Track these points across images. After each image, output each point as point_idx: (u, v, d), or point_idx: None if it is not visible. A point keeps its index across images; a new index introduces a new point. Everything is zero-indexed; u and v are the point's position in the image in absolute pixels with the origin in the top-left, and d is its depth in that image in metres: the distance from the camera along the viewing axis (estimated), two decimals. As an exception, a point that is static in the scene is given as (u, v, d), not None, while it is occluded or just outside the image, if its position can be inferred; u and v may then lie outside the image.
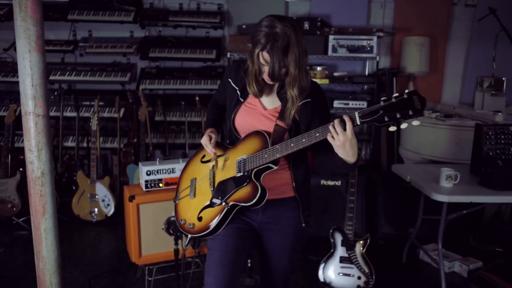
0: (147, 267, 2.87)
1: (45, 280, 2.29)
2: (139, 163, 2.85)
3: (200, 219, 1.86)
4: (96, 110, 4.18)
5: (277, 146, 1.68)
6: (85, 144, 4.63)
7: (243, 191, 1.73)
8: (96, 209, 4.05)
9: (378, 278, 2.85)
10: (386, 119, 1.49)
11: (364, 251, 2.81)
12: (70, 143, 4.66)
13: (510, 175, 2.65)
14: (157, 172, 2.79)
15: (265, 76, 1.74)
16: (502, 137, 2.93)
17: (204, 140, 1.90)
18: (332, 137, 1.56)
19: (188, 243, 2.72)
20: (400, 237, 3.62)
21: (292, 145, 1.65)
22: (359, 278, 2.79)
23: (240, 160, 1.76)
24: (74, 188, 4.16)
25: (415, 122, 1.48)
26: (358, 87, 4.78)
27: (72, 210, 4.03)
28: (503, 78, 4.50)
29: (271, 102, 1.85)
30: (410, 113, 1.47)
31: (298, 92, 1.72)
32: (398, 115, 1.48)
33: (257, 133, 1.78)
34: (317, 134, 1.61)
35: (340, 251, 2.85)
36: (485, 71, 4.62)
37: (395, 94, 1.49)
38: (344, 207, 2.92)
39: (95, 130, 4.12)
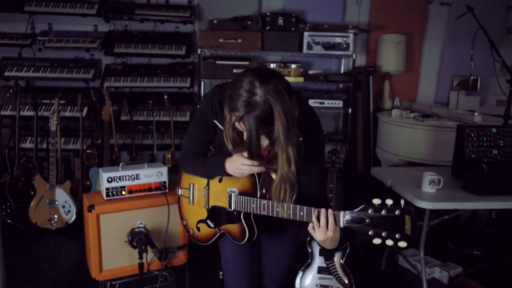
0: (109, 283, 2.63)
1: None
2: (100, 169, 2.59)
3: (198, 229, 1.93)
4: (57, 109, 3.87)
5: (264, 202, 1.61)
6: (45, 146, 4.30)
7: (234, 228, 1.75)
8: (55, 216, 3.75)
9: (358, 286, 2.70)
10: (370, 232, 1.39)
11: (343, 261, 2.65)
12: (28, 145, 4.32)
13: (494, 179, 2.54)
14: (120, 178, 2.54)
15: (243, 159, 1.56)
16: (484, 139, 2.83)
17: (239, 164, 1.58)
18: (313, 227, 1.49)
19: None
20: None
21: (277, 209, 1.58)
22: (338, 289, 2.64)
23: (231, 194, 1.72)
24: (32, 193, 3.84)
25: (401, 244, 1.35)
26: (333, 86, 4.64)
27: (29, 217, 3.72)
28: (476, 77, 4.46)
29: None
30: (397, 236, 1.35)
31: (294, 168, 1.50)
32: (383, 234, 1.37)
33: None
34: (301, 213, 1.52)
35: (318, 261, 2.68)
36: (460, 70, 4.57)
37: (389, 203, 1.36)
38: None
39: (55, 131, 3.82)
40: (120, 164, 2.62)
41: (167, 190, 2.64)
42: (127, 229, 2.47)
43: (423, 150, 3.66)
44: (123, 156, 4.43)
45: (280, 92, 1.40)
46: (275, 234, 1.88)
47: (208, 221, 1.85)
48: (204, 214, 1.88)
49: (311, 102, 4.46)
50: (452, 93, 4.71)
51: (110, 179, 2.52)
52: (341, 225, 1.45)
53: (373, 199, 1.38)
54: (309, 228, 1.51)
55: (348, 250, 2.68)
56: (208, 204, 1.83)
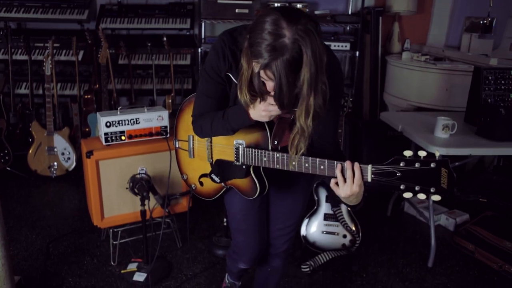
0: (111, 230, 2.58)
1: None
2: (97, 113, 2.47)
3: (201, 183, 1.81)
4: (51, 52, 3.68)
5: (278, 155, 1.45)
6: (41, 91, 4.14)
7: (243, 182, 1.61)
8: (55, 163, 3.68)
9: (363, 233, 2.66)
10: (402, 187, 1.26)
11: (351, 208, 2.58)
12: (23, 90, 4.17)
13: (511, 124, 2.41)
14: (119, 123, 2.42)
15: (270, 99, 1.33)
16: (502, 82, 2.68)
17: (264, 109, 1.38)
18: (336, 184, 1.34)
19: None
20: (384, 188, 3.42)
21: (294, 163, 1.42)
22: (344, 236, 2.59)
23: (238, 147, 1.55)
24: (30, 140, 3.74)
25: (435, 197, 1.23)
26: (340, 27, 4.41)
27: (28, 165, 3.64)
28: (492, 18, 4.21)
29: None
30: (432, 190, 1.23)
31: (312, 121, 1.33)
32: (417, 188, 1.24)
33: (257, 123, 1.46)
34: (322, 167, 1.37)
35: (325, 207, 2.62)
36: (474, 11, 4.32)
37: (423, 155, 1.22)
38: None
39: (50, 75, 3.65)
40: (119, 108, 2.50)
41: (168, 135, 2.54)
42: (128, 175, 2.39)
43: (434, 95, 3.51)
44: (122, 102, 4.29)
45: (310, 33, 1.21)
46: (286, 185, 1.75)
47: (213, 176, 1.70)
48: (207, 168, 1.73)
49: (317, 45, 4.26)
50: (464, 36, 4.47)
51: (108, 124, 2.41)
52: (369, 179, 1.31)
53: (404, 151, 1.24)
54: (332, 184, 1.36)
55: (355, 197, 2.61)
56: (212, 158, 1.68)
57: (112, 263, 2.55)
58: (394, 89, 3.89)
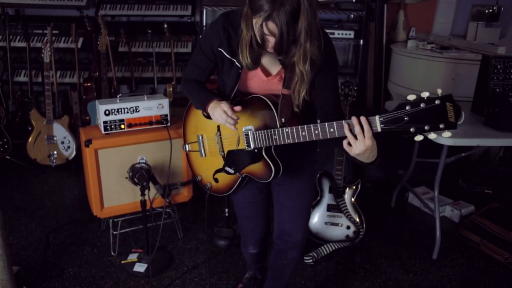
0: (111, 220, 2.54)
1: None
2: (96, 101, 2.42)
3: (216, 180, 1.84)
4: (50, 39, 3.63)
5: (287, 130, 1.49)
6: (40, 79, 4.09)
7: (257, 167, 1.64)
8: (55, 152, 3.63)
9: (367, 224, 2.62)
10: (411, 129, 1.27)
11: (354, 199, 2.54)
12: (22, 78, 4.11)
13: (521, 114, 2.35)
14: (118, 111, 2.37)
15: (269, 49, 1.42)
16: None
17: (220, 115, 1.52)
18: (349, 144, 1.36)
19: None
20: (387, 180, 3.39)
21: (303, 133, 1.47)
22: (348, 227, 2.55)
23: (247, 132, 1.59)
24: (29, 129, 3.69)
25: (446, 134, 1.26)
26: (344, 15, 4.32)
27: (27, 153, 3.60)
28: (500, 5, 4.12)
29: (271, 65, 1.59)
30: (441, 126, 1.25)
31: (309, 66, 1.43)
32: (426, 127, 1.26)
33: (263, 102, 1.55)
34: (331, 130, 1.40)
35: (328, 198, 2.58)
36: (481, -1, 4.23)
37: (426, 95, 1.25)
38: (332, 149, 2.62)
39: (49, 63, 3.59)
40: (118, 96, 2.44)
41: (169, 124, 2.48)
42: (127, 165, 2.34)
43: (439, 84, 3.43)
44: (122, 90, 4.24)
45: None
46: (291, 172, 1.74)
47: (227, 168, 1.72)
48: (220, 163, 1.77)
49: (321, 33, 4.19)
50: (471, 24, 4.38)
51: (107, 112, 2.36)
52: (379, 129, 1.33)
53: (408, 96, 1.26)
54: (345, 145, 1.38)
55: (359, 187, 2.57)
56: (223, 150, 1.72)
57: (112, 253, 2.52)
58: (399, 78, 3.82)
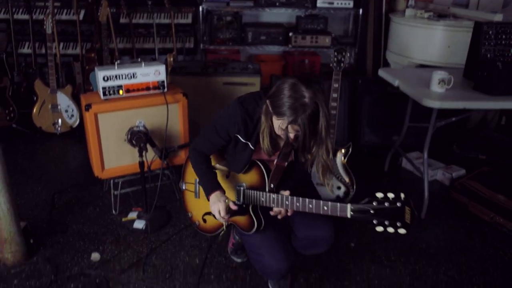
0: (112, 181, 2.67)
1: (-7, 198, 2.06)
2: (95, 68, 2.50)
3: (204, 220, 2.10)
4: (51, 11, 3.69)
5: (273, 196, 1.74)
6: (43, 51, 4.16)
7: (242, 219, 1.88)
8: (59, 121, 3.75)
9: (359, 187, 2.72)
10: (374, 221, 1.52)
11: (345, 160, 2.63)
12: (26, 50, 4.21)
13: (509, 79, 2.40)
14: (116, 77, 2.45)
15: (291, 140, 1.69)
16: (503, 37, 2.64)
17: (216, 212, 1.82)
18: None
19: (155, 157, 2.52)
20: (383, 145, 3.46)
21: (287, 202, 1.71)
22: (338, 188, 2.65)
23: (239, 189, 1.85)
24: (34, 98, 3.80)
25: (401, 231, 1.49)
26: (344, -16, 4.32)
27: (33, 122, 3.72)
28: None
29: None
30: (398, 224, 1.49)
31: (326, 154, 1.71)
32: (386, 222, 1.51)
33: (257, 167, 1.83)
34: (310, 206, 1.65)
35: (320, 161, 2.67)
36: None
37: (390, 196, 1.50)
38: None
39: (51, 34, 3.66)
40: (116, 62, 2.53)
41: (165, 90, 2.57)
42: (126, 128, 2.45)
43: (436, 52, 3.47)
44: (124, 61, 4.26)
45: (322, 92, 1.57)
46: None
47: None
48: (208, 206, 1.96)
49: (320, 3, 4.21)
50: (473, -7, 4.37)
51: (106, 78, 2.44)
52: (348, 216, 1.57)
53: (376, 193, 1.53)
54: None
55: (350, 150, 2.65)
56: None
57: (113, 212, 2.66)
58: (397, 47, 3.84)
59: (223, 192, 1.87)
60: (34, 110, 3.71)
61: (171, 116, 2.54)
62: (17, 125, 3.79)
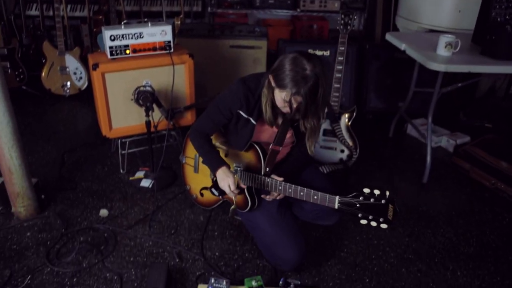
0: (119, 140, 2.72)
1: (4, 154, 2.13)
2: (102, 27, 2.51)
3: (202, 194, 2.26)
4: (58, -28, 3.67)
5: (268, 180, 1.88)
6: (51, 13, 4.16)
7: (238, 198, 1.97)
8: (68, 83, 3.79)
9: (363, 152, 2.75)
10: (359, 215, 1.67)
11: (349, 124, 2.65)
12: (34, 12, 4.22)
13: (517, 43, 2.38)
14: (122, 37, 2.47)
15: (288, 112, 1.77)
16: (514, -1, 2.59)
17: (225, 187, 1.89)
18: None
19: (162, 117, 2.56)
20: (388, 111, 3.47)
21: (280, 188, 1.85)
22: (342, 151, 2.68)
23: (236, 169, 1.94)
24: (43, 61, 3.83)
25: (383, 226, 1.65)
26: None
27: (42, 84, 3.76)
28: None
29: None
30: (381, 220, 1.65)
31: (317, 120, 1.82)
32: (370, 217, 1.66)
33: (255, 149, 1.93)
34: (301, 194, 1.80)
35: (325, 124, 2.70)
36: None
37: (376, 192, 1.64)
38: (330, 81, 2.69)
39: (58, -5, 3.66)
40: (123, 22, 2.53)
41: (172, 50, 2.58)
42: (133, 88, 2.47)
43: (446, 17, 3.41)
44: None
45: (321, 65, 1.65)
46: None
47: (213, 190, 2.07)
48: (208, 182, 2.14)
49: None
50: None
51: (113, 38, 2.46)
52: (336, 207, 1.72)
53: (363, 189, 1.65)
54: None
55: (355, 114, 2.67)
56: (214, 177, 2.00)
57: (121, 171, 2.73)
58: (407, 11, 3.77)
59: (229, 167, 1.93)
60: (43, 72, 3.75)
61: (177, 77, 2.57)
62: (27, 87, 3.84)
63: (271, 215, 1.96)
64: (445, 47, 2.47)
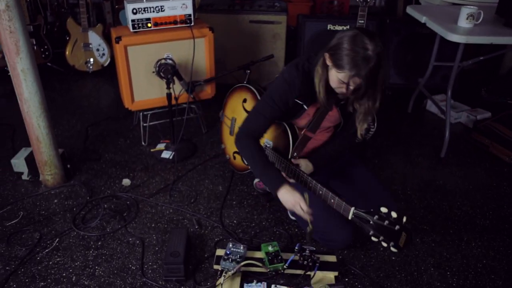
0: (141, 113, 2.80)
1: (32, 123, 2.23)
2: (124, 1, 2.57)
3: (234, 157, 2.29)
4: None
5: (292, 167, 1.86)
6: (74, -9, 4.25)
7: None
8: (91, 59, 3.88)
9: (381, 126, 2.76)
10: (370, 232, 1.61)
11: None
12: (58, -11, 4.29)
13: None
14: (144, 10, 2.52)
15: (343, 93, 1.70)
16: (540, -31, 2.53)
17: (298, 207, 1.75)
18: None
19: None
20: (408, 88, 3.44)
21: (303, 178, 1.83)
22: (360, 125, 2.69)
23: (266, 146, 1.98)
24: (67, 38, 3.92)
25: (393, 249, 1.59)
26: None
27: (67, 61, 3.86)
28: None
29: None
30: (392, 244, 1.58)
31: (373, 102, 1.72)
32: (381, 238, 1.60)
33: (285, 133, 1.89)
34: (320, 192, 1.79)
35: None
36: None
37: (393, 215, 1.56)
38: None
39: (81, -28, 3.71)
40: (144, -3, 2.58)
41: (192, 24, 2.62)
42: (155, 61, 2.53)
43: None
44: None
45: (381, 45, 1.55)
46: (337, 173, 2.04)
47: (244, 159, 2.09)
48: None
49: None
50: None
51: (135, 11, 2.51)
52: (349, 217, 1.68)
53: (381, 207, 1.59)
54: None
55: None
56: None
57: (143, 143, 2.81)
58: (429, -15, 3.71)
59: (289, 184, 1.80)
60: (67, 49, 3.83)
61: (197, 50, 2.61)
62: (52, 64, 3.94)
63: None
64: (467, 18, 2.44)
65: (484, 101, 3.45)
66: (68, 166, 2.49)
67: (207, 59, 2.71)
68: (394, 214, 1.55)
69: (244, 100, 2.22)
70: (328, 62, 1.64)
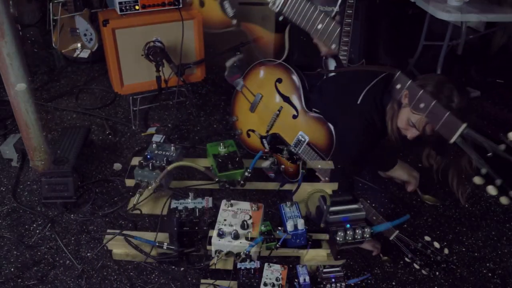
0: (131, 97, 2.77)
1: (20, 109, 2.20)
2: (111, -17, 2.53)
3: (248, 135, 2.05)
4: None
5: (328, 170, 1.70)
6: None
7: (288, 164, 1.79)
8: (79, 44, 3.81)
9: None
10: (409, 256, 1.67)
11: (357, 77, 2.65)
12: (42, -27, 4.19)
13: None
14: (131, -8, 2.49)
15: (410, 137, 1.69)
16: None
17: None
18: None
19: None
20: (398, 68, 3.43)
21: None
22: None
23: (300, 139, 1.81)
24: (53, 24, 3.84)
25: (424, 272, 1.66)
26: None
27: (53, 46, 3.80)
28: None
29: None
30: (427, 269, 1.65)
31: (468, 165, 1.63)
32: (418, 262, 1.68)
33: (330, 134, 1.77)
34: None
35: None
36: None
37: (437, 245, 1.62)
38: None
39: (66, -46, 3.63)
40: (131, -23, 2.54)
41: (181, 6, 2.59)
42: (143, 44, 2.50)
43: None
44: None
45: (468, 102, 1.55)
46: None
47: (265, 142, 1.90)
48: (260, 128, 1.91)
49: None
50: None
51: (121, -7, 2.47)
52: (390, 238, 1.69)
53: (425, 236, 1.67)
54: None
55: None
56: (271, 127, 1.85)
57: (133, 127, 2.78)
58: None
59: None
60: (54, 35, 3.77)
61: (186, 32, 2.59)
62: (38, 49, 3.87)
63: None
64: (456, -4, 2.43)
65: (475, 80, 3.46)
66: (58, 151, 2.46)
67: (197, 41, 2.69)
68: (436, 244, 1.63)
69: (279, 80, 2.02)
70: (405, 101, 1.57)
